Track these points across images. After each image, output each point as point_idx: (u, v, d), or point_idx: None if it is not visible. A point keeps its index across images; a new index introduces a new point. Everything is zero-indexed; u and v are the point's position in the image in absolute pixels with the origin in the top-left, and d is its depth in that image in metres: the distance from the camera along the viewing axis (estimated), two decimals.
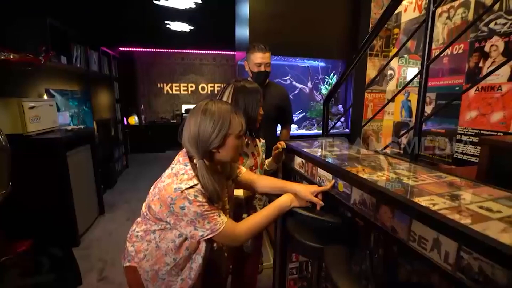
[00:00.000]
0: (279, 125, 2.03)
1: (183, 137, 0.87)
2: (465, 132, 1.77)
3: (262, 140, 1.38)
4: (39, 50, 2.06)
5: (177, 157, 0.90)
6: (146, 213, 0.90)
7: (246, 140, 1.26)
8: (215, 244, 0.95)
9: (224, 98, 1.19)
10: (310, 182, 1.05)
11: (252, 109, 1.16)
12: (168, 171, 0.86)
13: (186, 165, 0.85)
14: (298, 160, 1.18)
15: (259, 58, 1.71)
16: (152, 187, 0.88)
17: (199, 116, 0.83)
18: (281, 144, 1.26)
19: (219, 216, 0.83)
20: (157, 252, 0.89)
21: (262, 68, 1.73)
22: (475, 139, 1.71)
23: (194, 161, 0.86)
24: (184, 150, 0.90)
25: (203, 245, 0.88)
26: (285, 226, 1.17)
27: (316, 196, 0.91)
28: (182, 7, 3.34)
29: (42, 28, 2.35)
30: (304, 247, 0.92)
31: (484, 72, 1.63)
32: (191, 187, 0.79)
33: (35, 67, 2.09)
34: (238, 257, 1.41)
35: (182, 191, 0.78)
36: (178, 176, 0.81)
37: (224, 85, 1.25)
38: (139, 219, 0.96)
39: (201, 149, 0.83)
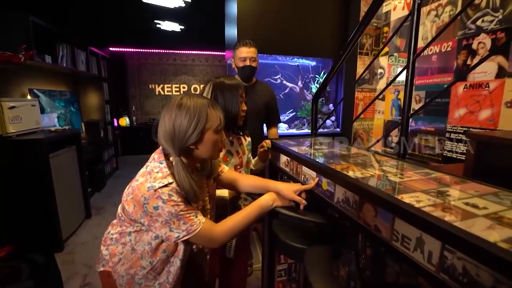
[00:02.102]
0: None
1: (158, 134, 0.83)
2: (454, 130, 1.76)
3: (248, 139, 1.34)
4: (19, 48, 1.98)
5: (152, 154, 0.85)
6: (121, 215, 0.85)
7: (231, 138, 1.23)
8: (194, 246, 0.90)
9: (204, 95, 1.15)
10: (295, 180, 1.01)
11: (232, 105, 1.12)
12: (142, 169, 0.82)
13: (161, 163, 0.80)
14: (283, 158, 1.14)
15: (243, 52, 1.69)
16: (127, 187, 0.83)
17: (173, 111, 0.78)
18: (266, 143, 1.22)
19: (196, 217, 0.79)
20: (133, 255, 0.84)
21: (247, 63, 1.70)
22: (464, 137, 1.70)
23: (170, 158, 0.82)
24: (160, 147, 0.85)
25: (181, 247, 0.83)
26: (271, 226, 1.13)
27: (299, 195, 0.88)
28: (172, 6, 3.29)
29: (24, 25, 2.27)
30: (288, 248, 0.88)
31: (472, 70, 1.62)
32: (165, 185, 0.75)
33: (15, 65, 2.01)
34: (225, 260, 1.36)
35: (155, 190, 0.73)
36: (152, 175, 0.77)
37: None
38: (114, 221, 0.91)
39: (178, 146, 0.79)
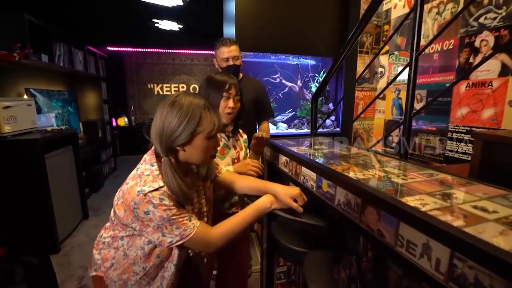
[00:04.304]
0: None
1: (150, 132, 0.79)
2: (456, 130, 1.73)
3: (244, 135, 1.33)
4: (14, 46, 1.94)
5: (144, 156, 0.82)
6: (113, 218, 0.82)
7: (227, 133, 1.21)
8: (190, 251, 0.86)
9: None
10: (294, 181, 0.98)
11: (211, 101, 1.10)
12: (133, 172, 0.78)
13: (152, 165, 0.77)
14: (282, 158, 1.11)
15: (225, 52, 1.66)
16: (118, 190, 0.80)
17: (165, 109, 0.75)
18: (261, 134, 1.20)
19: (190, 221, 0.75)
20: (125, 261, 0.80)
21: (230, 62, 1.67)
22: (466, 137, 1.67)
23: (162, 160, 0.79)
24: (152, 148, 0.82)
25: (175, 252, 0.80)
26: (270, 228, 1.10)
27: (296, 200, 0.84)
28: (170, 5, 3.26)
29: (19, 23, 2.24)
30: (287, 251, 0.85)
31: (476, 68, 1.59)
32: (156, 189, 0.71)
33: (9, 64, 1.98)
34: (222, 258, 1.33)
35: (145, 194, 0.70)
36: (142, 178, 0.73)
37: None
38: (107, 224, 0.88)
39: (164, 145, 0.75)
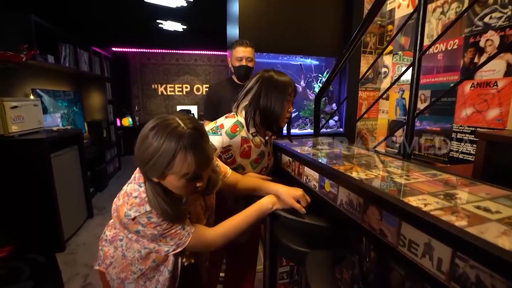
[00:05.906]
0: None
1: None
2: (461, 130, 1.72)
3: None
4: (21, 47, 1.97)
5: (135, 172, 0.79)
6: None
7: (267, 138, 1.14)
8: (184, 259, 0.85)
9: (248, 87, 1.06)
10: (297, 181, 0.99)
11: (276, 105, 1.01)
12: (125, 187, 0.77)
13: (140, 186, 0.73)
14: (285, 159, 1.12)
15: (240, 52, 1.67)
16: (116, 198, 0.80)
17: (145, 131, 0.66)
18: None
19: (183, 229, 0.75)
20: (123, 261, 0.82)
21: (243, 62, 1.68)
22: (471, 137, 1.66)
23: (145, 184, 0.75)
24: None
25: (171, 258, 0.80)
26: (273, 228, 1.10)
27: (299, 201, 0.83)
28: (174, 5, 3.28)
29: (26, 25, 2.27)
30: (289, 251, 0.85)
31: (480, 68, 1.58)
32: (143, 213, 0.70)
33: (16, 64, 2.01)
34: (230, 258, 1.34)
35: (132, 219, 0.70)
36: (130, 199, 0.71)
37: None
38: (111, 221, 0.89)
39: (142, 172, 0.71)
